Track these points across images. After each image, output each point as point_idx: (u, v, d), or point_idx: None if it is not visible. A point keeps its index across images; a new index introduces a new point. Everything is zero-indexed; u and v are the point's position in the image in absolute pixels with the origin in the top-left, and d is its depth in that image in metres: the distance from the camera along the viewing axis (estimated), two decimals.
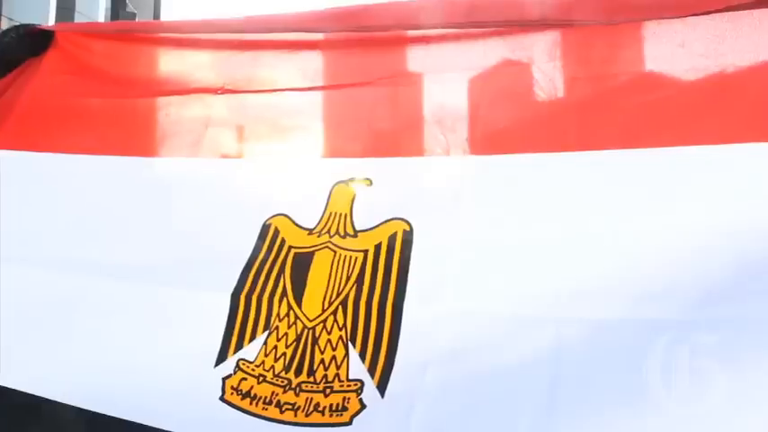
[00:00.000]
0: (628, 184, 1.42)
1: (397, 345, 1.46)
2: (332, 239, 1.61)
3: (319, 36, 1.87)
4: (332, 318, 1.53)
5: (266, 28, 1.94)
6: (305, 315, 1.56)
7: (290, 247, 1.64)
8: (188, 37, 2.06)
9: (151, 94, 2.03)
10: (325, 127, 1.81)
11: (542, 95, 1.58)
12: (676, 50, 1.46)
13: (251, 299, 1.60)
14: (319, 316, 1.54)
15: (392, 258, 1.53)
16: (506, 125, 1.61)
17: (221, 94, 1.93)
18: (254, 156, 1.85)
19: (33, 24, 2.18)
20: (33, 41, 2.11)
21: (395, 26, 1.77)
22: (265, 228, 1.68)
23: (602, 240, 1.40)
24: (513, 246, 1.47)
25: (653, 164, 1.41)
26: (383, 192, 1.62)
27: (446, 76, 1.69)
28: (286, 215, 1.68)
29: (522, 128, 1.59)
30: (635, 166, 1.42)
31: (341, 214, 1.63)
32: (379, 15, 1.82)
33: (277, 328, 1.57)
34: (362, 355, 1.49)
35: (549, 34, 1.57)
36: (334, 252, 1.59)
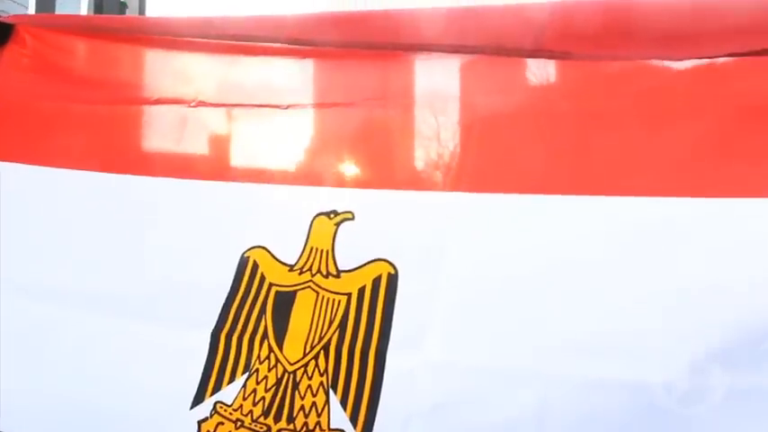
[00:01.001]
0: (625, 235, 1.36)
1: (379, 394, 1.42)
2: (314, 279, 1.54)
3: (306, 47, 1.75)
4: (313, 362, 1.48)
5: (252, 32, 1.81)
6: (286, 358, 1.50)
7: (271, 285, 1.57)
8: (163, 37, 1.92)
9: (121, 102, 1.90)
10: (306, 150, 1.71)
11: (539, 130, 1.50)
12: (678, 93, 1.39)
13: (231, 339, 1.54)
14: (300, 360, 1.49)
15: (376, 304, 1.47)
16: (500, 161, 1.52)
17: (195, 107, 1.83)
18: (229, 178, 1.73)
19: None
20: None
21: (386, 39, 1.65)
22: (243, 260, 1.61)
23: (594, 294, 1.35)
24: (501, 294, 1.41)
25: (653, 214, 1.35)
26: (367, 227, 1.54)
27: (438, 102, 1.59)
28: (264, 248, 1.60)
29: (516, 165, 1.51)
30: (634, 215, 1.36)
31: (322, 250, 1.56)
32: (373, 24, 1.72)
33: (257, 370, 1.51)
34: (344, 403, 1.44)
35: (545, 65, 1.48)
36: (317, 293, 1.52)
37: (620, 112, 1.45)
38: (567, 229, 1.40)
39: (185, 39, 1.88)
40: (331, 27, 1.73)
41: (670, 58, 1.38)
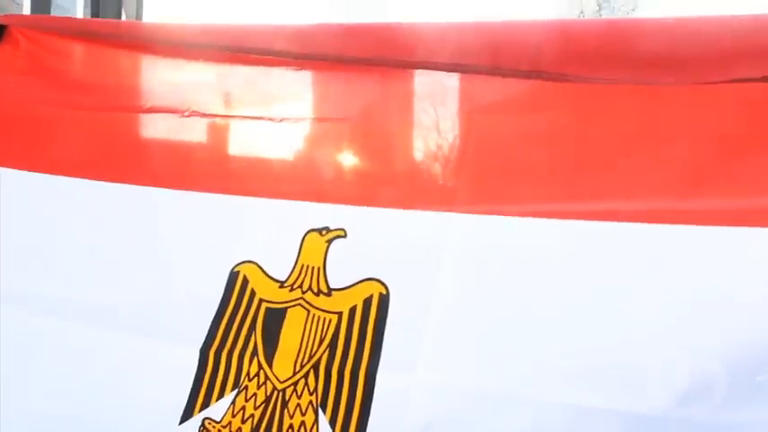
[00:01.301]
0: (624, 262, 1.35)
1: (368, 415, 1.41)
2: (304, 296, 1.52)
3: (302, 59, 1.71)
4: (303, 381, 1.47)
5: (248, 42, 1.77)
6: (275, 376, 1.49)
7: (261, 301, 1.55)
8: (157, 44, 1.89)
9: (113, 109, 1.87)
10: (299, 165, 1.69)
11: (536, 153, 1.48)
12: (679, 119, 1.38)
13: (220, 355, 1.52)
14: (290, 378, 1.48)
15: (367, 324, 1.46)
16: (497, 182, 1.51)
17: (188, 116, 1.80)
18: (221, 191, 1.69)
19: None
20: None
21: (383, 54, 1.62)
22: (233, 275, 1.59)
23: (590, 320, 1.34)
24: (494, 317, 1.40)
25: (650, 242, 1.33)
26: (359, 245, 1.53)
27: (433, 120, 1.57)
28: (255, 263, 1.59)
29: (513, 187, 1.49)
30: (631, 242, 1.35)
31: (314, 268, 1.54)
32: (371, 38, 1.69)
33: (246, 387, 1.50)
34: (333, 423, 1.43)
35: (542, 86, 1.46)
36: (308, 311, 1.51)
37: (619, 137, 1.43)
38: (563, 255, 1.39)
39: (180, 46, 1.86)
40: (327, 39, 1.70)
41: (670, 83, 1.36)
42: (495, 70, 1.48)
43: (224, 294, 1.57)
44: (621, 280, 1.34)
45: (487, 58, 1.49)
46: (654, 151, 1.39)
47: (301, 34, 1.76)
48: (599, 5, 16.31)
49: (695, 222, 1.32)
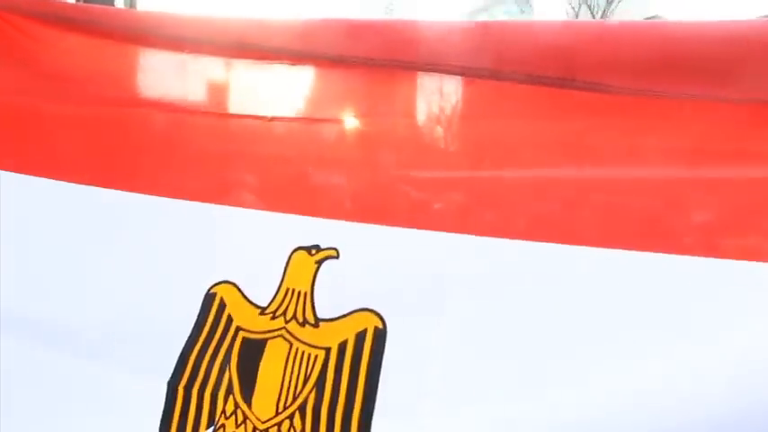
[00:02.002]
0: (654, 297, 1.15)
1: None
2: (287, 326, 1.33)
3: (297, 55, 1.51)
4: (288, 422, 1.29)
5: (239, 36, 1.57)
6: (255, 416, 1.30)
7: (238, 329, 1.36)
8: (140, 34, 1.68)
9: (89, 103, 1.67)
10: (288, 172, 1.47)
11: (560, 171, 1.27)
12: (731, 138, 1.17)
13: (191, 392, 1.34)
14: (272, 418, 1.30)
15: (359, 362, 1.27)
16: (514, 201, 1.30)
17: (170, 112, 1.60)
18: (199, 198, 1.49)
19: None
20: None
21: (386, 53, 1.42)
22: (209, 297, 1.40)
23: (611, 365, 1.14)
24: (505, 357, 1.21)
25: (685, 275, 1.14)
26: (353, 269, 1.33)
27: (443, 128, 1.37)
28: (234, 284, 1.40)
29: (532, 208, 1.29)
30: (663, 274, 1.15)
31: (300, 292, 1.35)
32: (373, 36, 1.49)
33: (223, 425, 1.32)
34: None
35: (573, 96, 1.25)
36: (290, 344, 1.32)
37: (658, 157, 1.22)
38: (587, 286, 1.19)
39: (165, 37, 1.64)
40: (326, 35, 1.50)
41: (722, 98, 1.15)
42: (514, 76, 1.27)
43: (197, 319, 1.38)
44: (656, 319, 1.14)
45: (507, 63, 1.28)
46: (699, 176, 1.19)
47: (297, 28, 1.55)
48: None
49: (724, 256, 1.13)
